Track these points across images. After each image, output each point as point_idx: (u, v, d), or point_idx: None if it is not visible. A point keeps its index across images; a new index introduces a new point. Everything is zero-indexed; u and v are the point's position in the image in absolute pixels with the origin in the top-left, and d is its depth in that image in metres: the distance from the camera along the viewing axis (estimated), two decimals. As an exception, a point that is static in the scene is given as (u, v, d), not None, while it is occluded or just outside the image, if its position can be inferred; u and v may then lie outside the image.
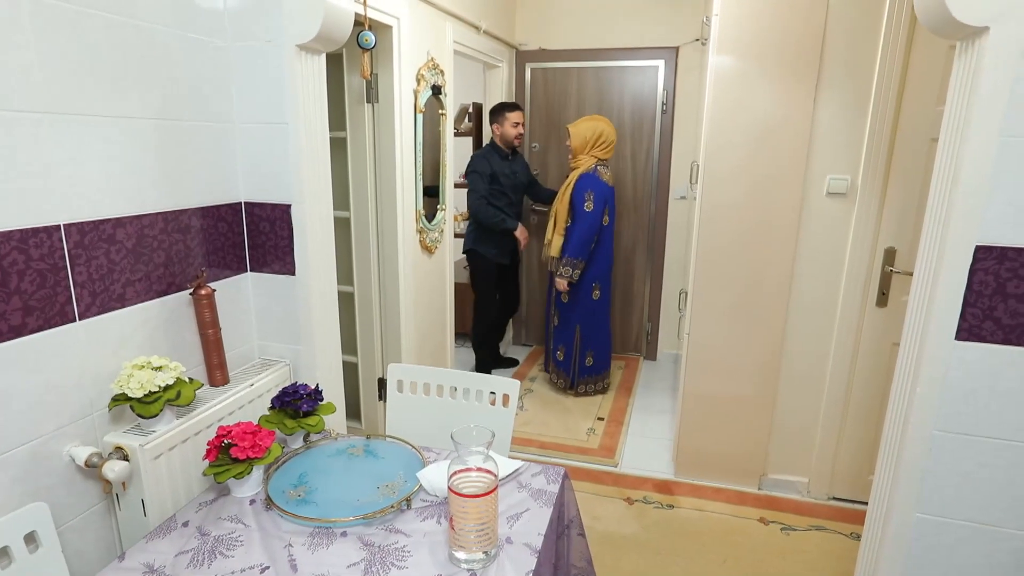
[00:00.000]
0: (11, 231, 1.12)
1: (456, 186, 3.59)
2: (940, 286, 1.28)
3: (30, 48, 1.13)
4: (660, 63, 3.80)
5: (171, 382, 1.31)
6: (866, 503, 2.56)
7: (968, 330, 1.27)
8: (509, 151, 3.58)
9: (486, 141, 3.81)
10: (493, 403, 1.75)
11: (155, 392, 1.28)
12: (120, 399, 1.29)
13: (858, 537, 2.39)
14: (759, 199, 2.41)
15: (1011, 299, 1.23)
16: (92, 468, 1.25)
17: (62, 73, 1.19)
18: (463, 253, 3.76)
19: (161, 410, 1.30)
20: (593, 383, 3.66)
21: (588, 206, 3.21)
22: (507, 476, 1.40)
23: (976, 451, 1.32)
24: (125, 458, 1.28)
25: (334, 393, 1.78)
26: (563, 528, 1.44)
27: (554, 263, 3.43)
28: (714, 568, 2.19)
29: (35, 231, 1.17)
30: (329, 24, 1.52)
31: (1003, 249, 1.21)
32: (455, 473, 1.10)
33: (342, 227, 2.68)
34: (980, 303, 1.25)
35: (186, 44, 1.48)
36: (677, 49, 3.75)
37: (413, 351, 2.81)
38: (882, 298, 2.36)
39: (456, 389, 1.78)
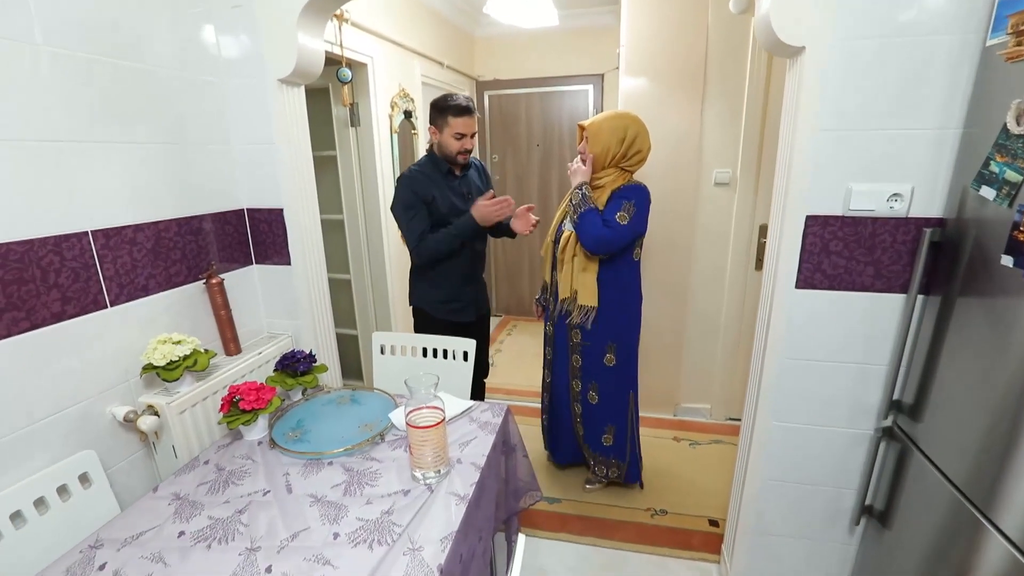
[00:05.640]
0: (46, 238, 1.11)
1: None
2: (783, 248, 1.32)
3: (51, 91, 1.11)
4: (590, 87, 3.80)
5: (188, 352, 1.31)
6: (753, 421, 2.68)
7: (804, 280, 1.32)
8: (456, 165, 1.91)
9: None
10: (455, 358, 1.78)
11: (176, 361, 1.29)
12: (148, 368, 1.28)
13: (748, 447, 2.49)
14: (665, 190, 2.44)
15: (833, 255, 1.28)
16: (130, 422, 1.26)
17: (80, 109, 1.17)
18: (410, 305, 2.08)
19: (181, 375, 1.30)
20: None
21: (622, 217, 1.72)
22: (460, 413, 1.43)
23: (812, 372, 1.37)
24: (156, 414, 1.29)
25: (328, 356, 1.78)
26: (509, 450, 1.48)
27: (581, 312, 1.86)
28: (638, 476, 2.26)
29: (66, 237, 1.15)
30: (303, 62, 1.50)
31: (825, 217, 1.26)
32: (411, 411, 1.12)
33: (337, 227, 2.67)
34: (811, 259, 1.30)
35: (187, 82, 1.45)
36: (602, 76, 3.75)
37: (399, 322, 2.82)
38: (759, 263, 2.42)
39: (427, 349, 1.81)
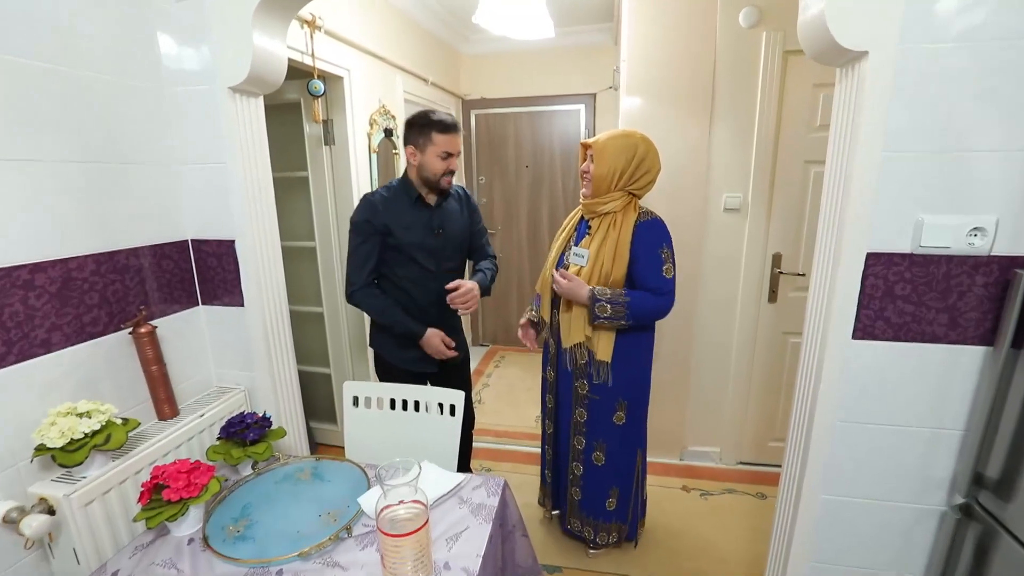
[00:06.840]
0: None
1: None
2: (837, 291, 1.10)
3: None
4: (581, 107, 3.62)
5: (98, 427, 1.02)
6: (768, 465, 2.43)
7: (863, 330, 1.09)
8: (432, 191, 1.66)
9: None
10: (441, 413, 1.50)
11: (79, 439, 0.99)
12: (42, 449, 0.99)
13: (763, 496, 2.23)
14: (671, 216, 2.17)
15: (898, 300, 1.06)
16: (11, 523, 0.95)
17: (-44, 117, 0.90)
18: (369, 346, 1.89)
19: (86, 457, 1.00)
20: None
21: (668, 270, 1.53)
22: (447, 493, 1.16)
23: (870, 437, 1.15)
24: (50, 509, 0.98)
25: (289, 415, 1.49)
26: (507, 533, 1.21)
27: (593, 364, 1.61)
28: (646, 534, 1.99)
29: (-74, 283, 0.87)
30: (259, 67, 1.25)
31: (890, 255, 1.04)
32: (383, 509, 0.85)
33: (308, 255, 2.40)
34: (872, 305, 1.07)
35: (119, 89, 1.19)
36: (595, 95, 3.58)
37: (379, 361, 2.53)
38: (772, 295, 2.22)
39: (407, 402, 1.53)
